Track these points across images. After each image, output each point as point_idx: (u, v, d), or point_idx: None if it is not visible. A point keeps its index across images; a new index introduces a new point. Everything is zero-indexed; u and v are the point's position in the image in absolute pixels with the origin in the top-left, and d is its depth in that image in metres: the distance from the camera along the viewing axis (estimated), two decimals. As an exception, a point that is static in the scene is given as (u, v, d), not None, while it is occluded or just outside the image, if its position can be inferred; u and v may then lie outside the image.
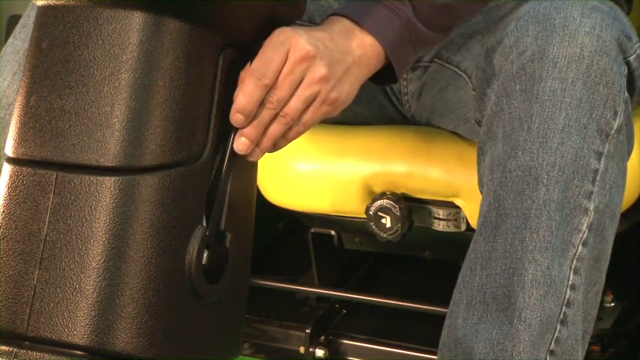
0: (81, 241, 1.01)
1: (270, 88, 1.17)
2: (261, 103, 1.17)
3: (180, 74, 1.04)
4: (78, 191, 1.02)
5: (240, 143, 1.17)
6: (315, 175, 1.68)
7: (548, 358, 1.25)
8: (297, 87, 1.19)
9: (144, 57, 1.03)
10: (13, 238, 1.03)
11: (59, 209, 1.02)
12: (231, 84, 1.12)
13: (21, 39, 1.43)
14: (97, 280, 0.99)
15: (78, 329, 0.99)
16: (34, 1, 1.08)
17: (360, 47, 1.25)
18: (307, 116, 1.22)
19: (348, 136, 1.68)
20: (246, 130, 1.17)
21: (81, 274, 1.00)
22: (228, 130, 1.12)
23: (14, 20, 1.56)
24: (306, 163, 1.69)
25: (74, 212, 1.02)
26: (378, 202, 1.61)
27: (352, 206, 1.65)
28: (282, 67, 1.17)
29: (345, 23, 1.26)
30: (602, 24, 1.26)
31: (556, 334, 1.25)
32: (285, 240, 2.06)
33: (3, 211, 1.05)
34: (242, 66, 1.13)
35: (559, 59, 1.25)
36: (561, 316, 1.25)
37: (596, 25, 1.26)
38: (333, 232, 1.80)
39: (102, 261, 1.00)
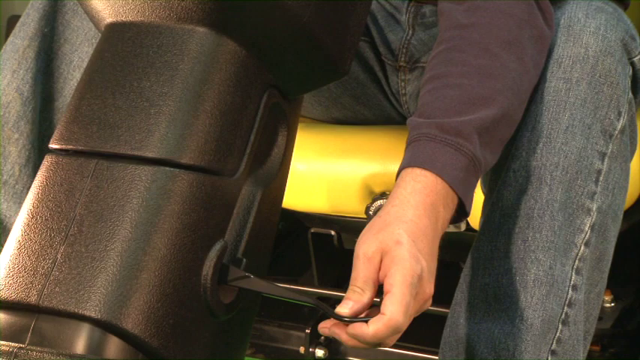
0: (110, 222, 1.03)
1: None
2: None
3: (228, 90, 1.08)
4: (115, 177, 1.04)
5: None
6: (315, 175, 1.68)
7: (549, 358, 1.25)
8: None
9: (199, 67, 1.07)
10: (43, 215, 1.05)
11: (94, 192, 1.05)
12: (270, 124, 1.14)
13: (20, 37, 1.43)
14: (120, 259, 1.01)
15: (92, 300, 1.00)
16: (104, 20, 1.12)
17: (446, 211, 1.16)
18: None
19: (348, 136, 1.68)
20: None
21: (104, 252, 1.01)
22: (260, 161, 1.14)
23: (14, 20, 1.56)
24: (306, 163, 1.68)
25: (108, 195, 1.04)
26: (378, 202, 1.61)
27: (352, 206, 1.65)
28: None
29: (436, 195, 1.15)
30: (607, 24, 1.26)
31: (558, 334, 1.25)
32: (285, 240, 2.06)
33: (38, 192, 1.07)
34: (283, 111, 1.16)
35: (563, 59, 1.25)
36: (563, 316, 1.25)
37: (600, 25, 1.26)
38: (333, 232, 1.80)
39: (127, 241, 1.02)
